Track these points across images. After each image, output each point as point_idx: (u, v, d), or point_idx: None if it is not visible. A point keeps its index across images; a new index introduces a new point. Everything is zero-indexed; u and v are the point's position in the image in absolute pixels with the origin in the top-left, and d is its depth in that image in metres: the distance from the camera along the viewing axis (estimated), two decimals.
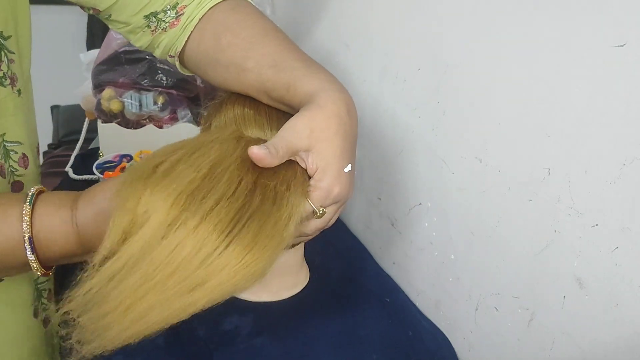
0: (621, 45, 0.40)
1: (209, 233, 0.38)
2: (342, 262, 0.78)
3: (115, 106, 0.92)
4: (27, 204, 0.43)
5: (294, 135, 0.45)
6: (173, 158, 0.42)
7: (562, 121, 0.47)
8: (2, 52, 0.47)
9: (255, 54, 0.52)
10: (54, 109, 1.80)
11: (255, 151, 0.42)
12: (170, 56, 0.58)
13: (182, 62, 0.59)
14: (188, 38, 0.55)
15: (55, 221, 0.43)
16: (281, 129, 0.45)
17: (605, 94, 0.42)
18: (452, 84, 0.60)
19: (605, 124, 0.43)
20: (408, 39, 0.68)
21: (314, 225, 0.48)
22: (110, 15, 0.56)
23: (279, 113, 0.54)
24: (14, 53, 0.48)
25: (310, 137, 0.45)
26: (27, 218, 0.42)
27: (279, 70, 0.50)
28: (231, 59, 0.53)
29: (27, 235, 0.42)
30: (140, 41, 0.58)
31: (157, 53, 0.59)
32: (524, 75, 0.50)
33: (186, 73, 0.62)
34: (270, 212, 0.42)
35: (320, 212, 0.46)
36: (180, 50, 0.57)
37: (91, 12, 0.56)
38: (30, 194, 0.43)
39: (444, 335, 0.67)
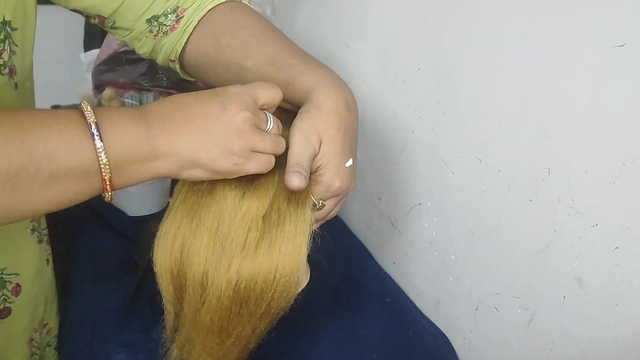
0: (621, 45, 0.40)
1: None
2: (342, 262, 0.78)
3: (115, 106, 0.92)
4: (84, 104, 0.37)
5: (309, 147, 0.46)
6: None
7: (562, 121, 0.47)
8: (7, 41, 0.46)
9: (254, 53, 0.52)
10: (54, 109, 1.80)
11: (296, 184, 0.43)
12: (172, 61, 0.59)
13: (182, 66, 0.60)
14: (187, 40, 0.56)
15: (118, 114, 0.38)
16: (294, 141, 0.46)
17: (605, 94, 0.42)
18: (452, 84, 0.60)
19: (605, 123, 0.43)
20: (408, 39, 0.68)
21: (313, 217, 0.49)
22: (114, 22, 0.56)
23: (278, 109, 0.54)
24: (17, 46, 0.48)
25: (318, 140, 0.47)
26: (88, 107, 0.37)
27: (278, 68, 0.51)
28: (231, 60, 0.53)
29: (92, 120, 0.36)
30: (144, 47, 0.58)
31: (160, 59, 0.59)
32: (524, 75, 0.50)
33: (187, 78, 0.62)
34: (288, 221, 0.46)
35: (320, 204, 0.48)
36: (180, 52, 0.57)
37: (97, 20, 0.56)
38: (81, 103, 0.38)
39: (444, 335, 0.67)
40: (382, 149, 0.77)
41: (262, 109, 0.44)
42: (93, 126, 0.36)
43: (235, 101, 0.41)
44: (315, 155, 0.47)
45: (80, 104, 0.38)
